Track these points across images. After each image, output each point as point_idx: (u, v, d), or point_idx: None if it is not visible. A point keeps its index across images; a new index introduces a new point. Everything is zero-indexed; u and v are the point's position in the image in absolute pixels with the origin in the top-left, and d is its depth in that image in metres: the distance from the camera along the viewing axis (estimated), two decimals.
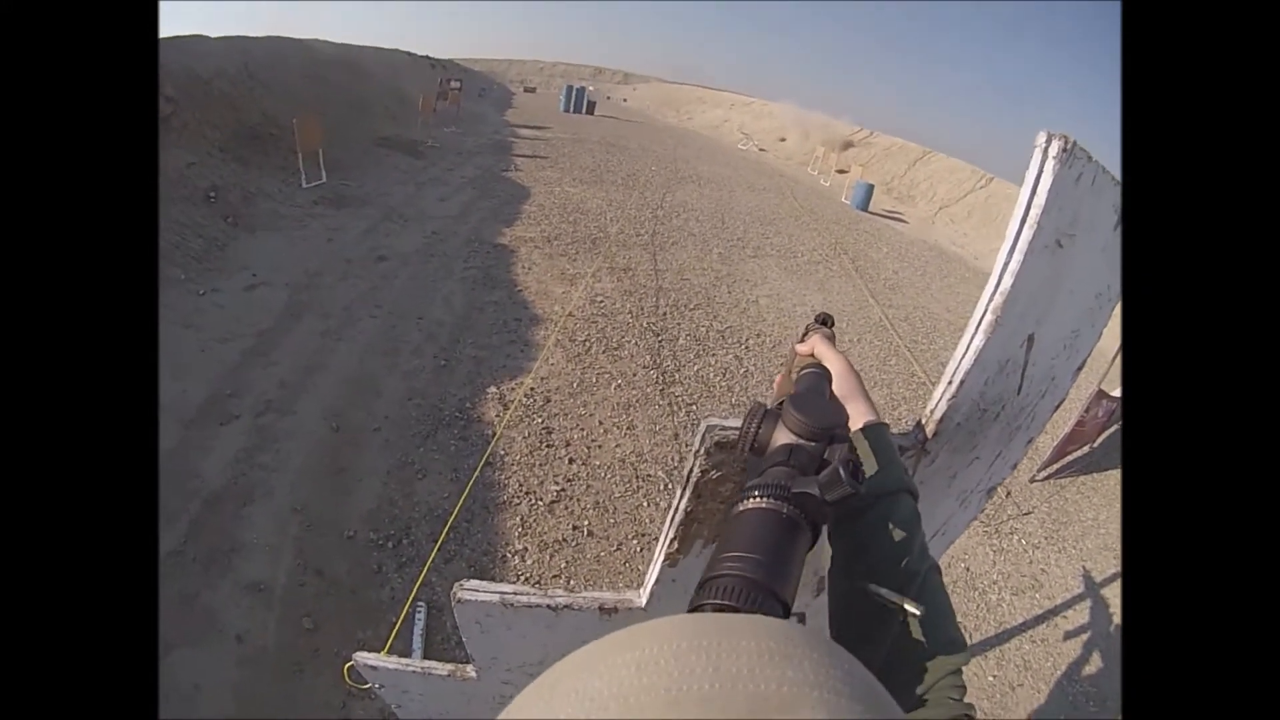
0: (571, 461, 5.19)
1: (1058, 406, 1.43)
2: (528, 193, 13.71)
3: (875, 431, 0.81)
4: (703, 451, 1.02)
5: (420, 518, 4.37)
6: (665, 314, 8.19)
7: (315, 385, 5.78)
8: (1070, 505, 6.41)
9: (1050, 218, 1.04)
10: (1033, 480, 6.67)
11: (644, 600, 1.54)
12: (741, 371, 7.27)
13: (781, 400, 0.81)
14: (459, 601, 1.78)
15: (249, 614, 3.64)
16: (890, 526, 0.74)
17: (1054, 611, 4.91)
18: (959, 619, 0.71)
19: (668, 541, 1.30)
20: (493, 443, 5.14)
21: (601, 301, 8.30)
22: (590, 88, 39.85)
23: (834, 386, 0.89)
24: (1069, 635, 4.72)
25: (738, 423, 0.96)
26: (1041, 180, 1.01)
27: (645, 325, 7.76)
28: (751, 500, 0.59)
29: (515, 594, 1.75)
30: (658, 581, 1.44)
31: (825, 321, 1.17)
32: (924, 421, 1.22)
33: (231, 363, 5.97)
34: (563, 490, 4.89)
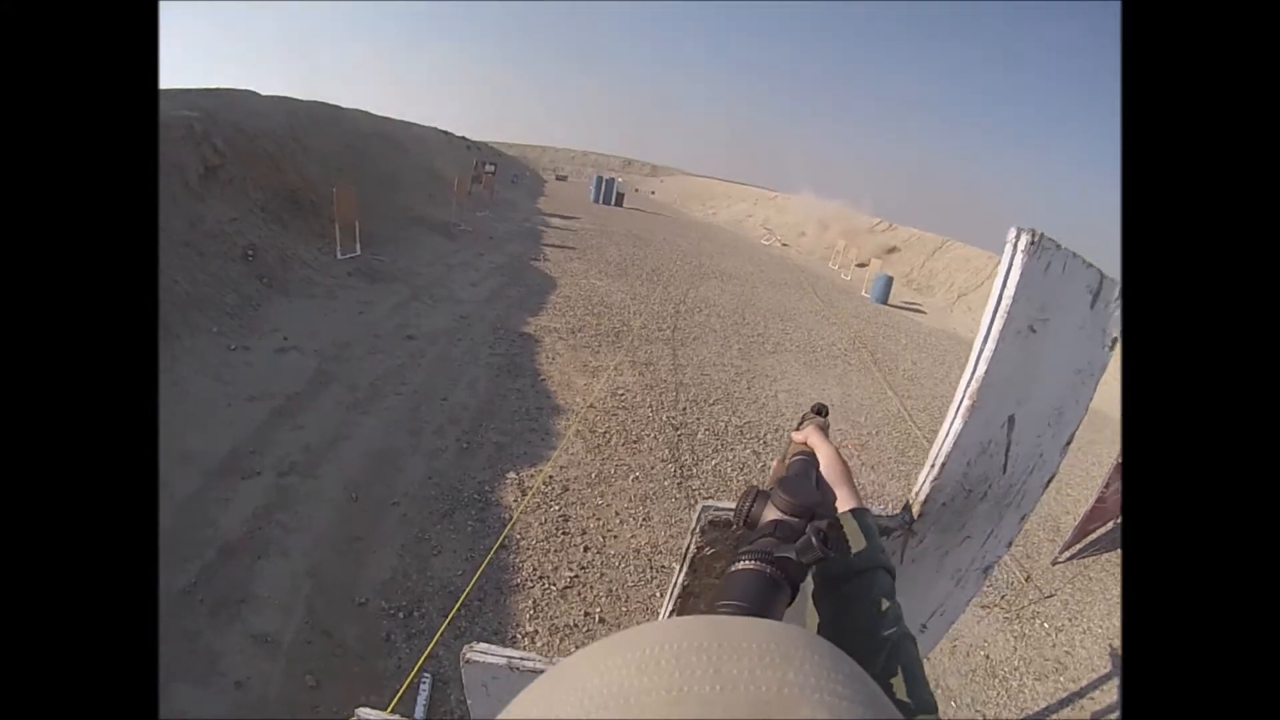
0: (586, 549, 5.37)
1: (1049, 482, 1.50)
2: (555, 283, 14.33)
3: (858, 514, 0.91)
4: (698, 530, 1.22)
5: (433, 592, 4.56)
6: (685, 408, 8.47)
7: (338, 454, 6.10)
8: (1095, 584, 6.41)
9: (1020, 306, 1.16)
10: (1055, 563, 6.68)
11: None
12: (759, 466, 7.47)
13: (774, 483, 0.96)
14: (467, 662, 1.98)
15: (252, 662, 3.85)
16: (866, 597, 0.83)
17: (1080, 694, 4.91)
18: (978, 708, 0.90)
19: (666, 614, 1.45)
20: (509, 526, 5.36)
21: (622, 394, 8.61)
22: (619, 179, 41.01)
23: (823, 472, 0.99)
24: (1096, 716, 4.74)
25: (730, 504, 1.19)
26: (1012, 272, 1.14)
27: (665, 419, 8.04)
28: (742, 563, 0.73)
29: (522, 659, 1.93)
30: None
31: (820, 411, 1.28)
32: (910, 504, 1.33)
33: (257, 421, 6.37)
34: (576, 576, 5.05)
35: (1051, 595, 6.13)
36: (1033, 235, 1.12)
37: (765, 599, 0.68)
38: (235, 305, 8.59)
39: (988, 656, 5.11)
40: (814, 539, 0.71)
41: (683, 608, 1.43)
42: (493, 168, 24.75)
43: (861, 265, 25.22)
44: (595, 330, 11.16)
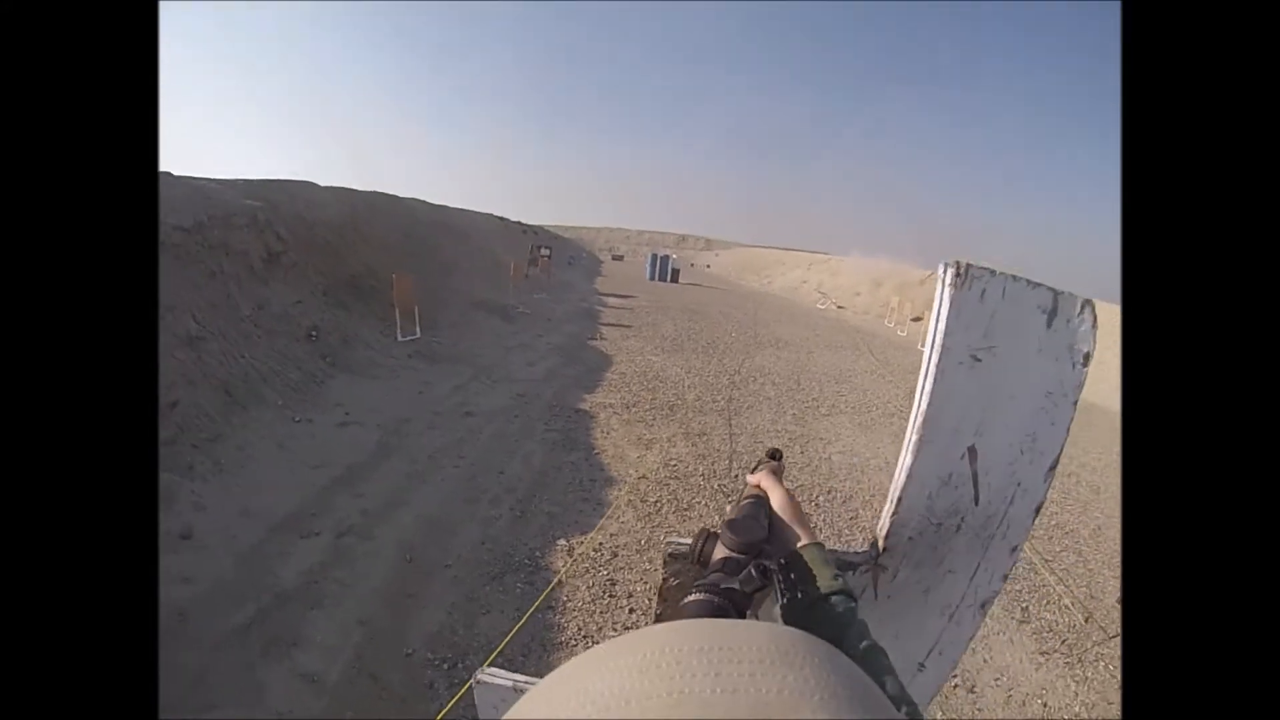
0: (632, 611, 5.44)
1: (1037, 510, 1.45)
2: (611, 361, 14.65)
3: (812, 549, 0.97)
4: (661, 562, 1.33)
5: (478, 648, 4.70)
6: (737, 475, 8.50)
7: (395, 519, 6.38)
8: None
9: (956, 338, 1.18)
10: (1120, 601, 6.29)
11: None
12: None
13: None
14: (478, 683, 2.11)
15: (297, 698, 4.08)
16: (828, 619, 0.87)
17: None
18: None
19: None
20: (552, 585, 5.52)
21: (675, 465, 8.71)
22: (674, 255, 41.38)
23: (777, 512, 1.05)
24: None
25: (687, 541, 1.30)
26: (942, 306, 1.17)
27: (716, 487, 8.11)
28: (693, 595, 0.83)
29: (528, 683, 2.05)
30: None
31: (774, 455, 1.36)
32: (875, 539, 1.36)
33: (319, 486, 6.74)
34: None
35: (1115, 636, 5.86)
36: (958, 267, 1.15)
37: None
38: (299, 381, 9.12)
39: (1045, 704, 4.97)
40: (753, 571, 0.85)
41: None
42: (548, 251, 25.53)
43: (916, 320, 25.17)
44: (650, 404, 11.34)
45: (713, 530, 1.02)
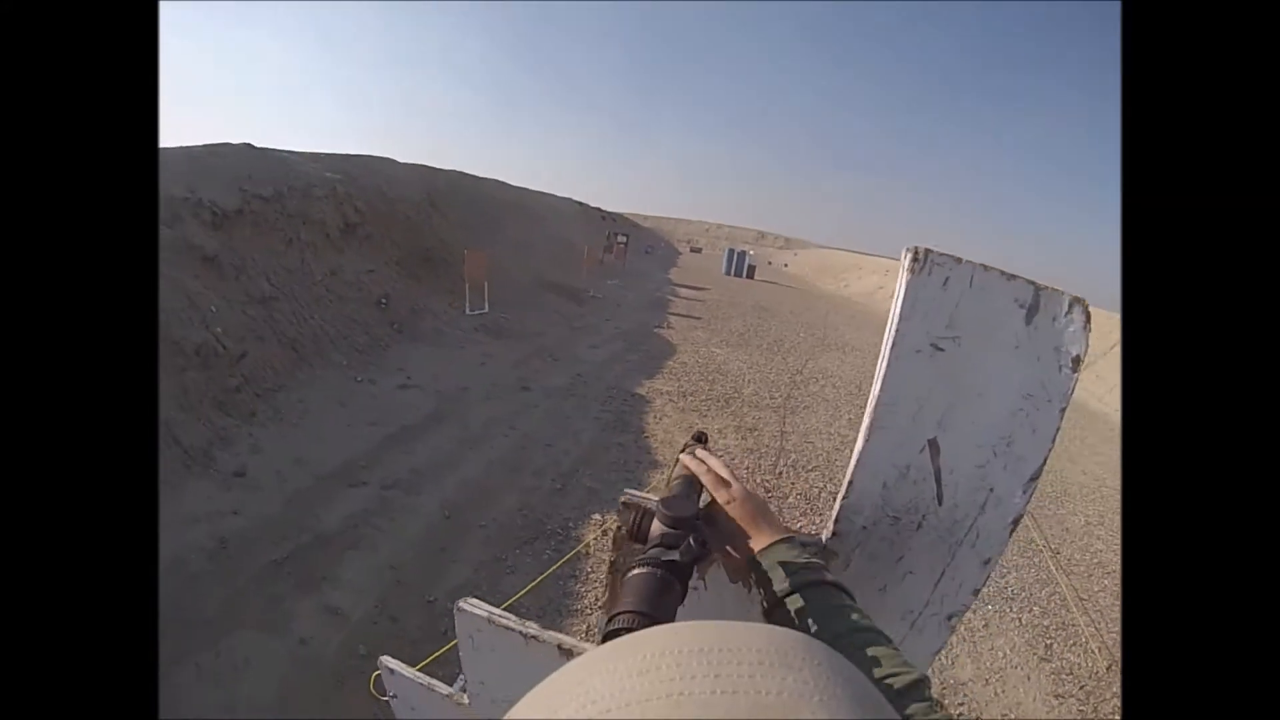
0: None
1: (1014, 522, 1.35)
2: (675, 350, 14.67)
3: (786, 542, 1.00)
4: (616, 511, 1.33)
5: (496, 603, 4.85)
6: (782, 473, 8.50)
7: (441, 478, 6.68)
8: None
9: (913, 324, 1.15)
10: None
11: (591, 650, 1.97)
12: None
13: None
14: (459, 611, 2.23)
15: (319, 627, 4.38)
16: (804, 610, 0.90)
17: None
18: None
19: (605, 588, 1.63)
20: (574, 552, 5.68)
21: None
22: (752, 251, 40.74)
23: (739, 509, 1.06)
24: None
25: (643, 495, 1.36)
26: (899, 289, 1.15)
27: (759, 481, 8.13)
28: (636, 569, 0.84)
29: (500, 616, 2.16)
30: (598, 633, 1.82)
31: (700, 439, 1.39)
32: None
33: (373, 443, 7.09)
34: None
35: None
36: (916, 252, 1.12)
37: (659, 597, 0.80)
38: (365, 345, 9.54)
39: None
40: (692, 542, 0.89)
41: (611, 584, 1.55)
42: (625, 239, 25.61)
43: None
44: (707, 395, 11.36)
45: (647, 508, 1.06)
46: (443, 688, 2.75)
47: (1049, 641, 5.81)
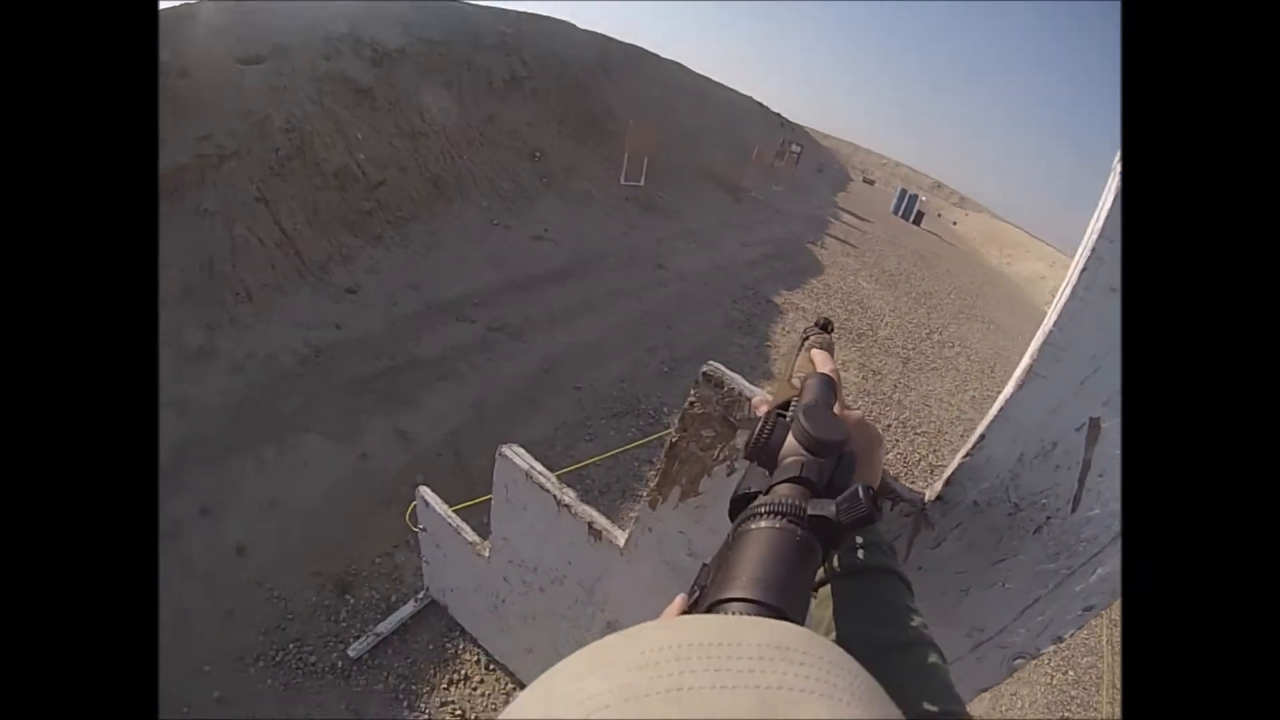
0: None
1: None
2: (822, 270, 14.06)
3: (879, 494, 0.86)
4: (693, 383, 1.21)
5: (564, 466, 4.75)
6: (890, 426, 8.01)
7: (550, 334, 6.55)
8: None
9: (1118, 251, 0.86)
10: None
11: (622, 541, 1.75)
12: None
13: (784, 403, 0.84)
14: (501, 456, 2.09)
15: (385, 447, 4.41)
16: (858, 597, 0.76)
17: None
18: None
19: (655, 477, 1.44)
20: (655, 437, 5.46)
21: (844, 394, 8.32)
22: (924, 198, 39.36)
23: (857, 435, 0.82)
24: None
25: (732, 375, 1.15)
26: (1104, 197, 0.88)
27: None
28: (763, 521, 0.59)
29: (540, 474, 2.02)
30: (637, 525, 1.63)
31: (826, 327, 1.14)
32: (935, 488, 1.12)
33: (493, 284, 7.02)
34: None
35: None
36: None
37: (795, 571, 0.55)
38: (510, 193, 9.40)
39: None
40: (861, 494, 0.58)
41: (666, 473, 1.42)
42: (799, 149, 24.65)
43: None
44: (842, 324, 10.79)
45: (780, 414, 0.76)
46: (470, 534, 2.63)
47: (1066, 714, 5.37)
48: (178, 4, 6.56)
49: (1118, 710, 5.58)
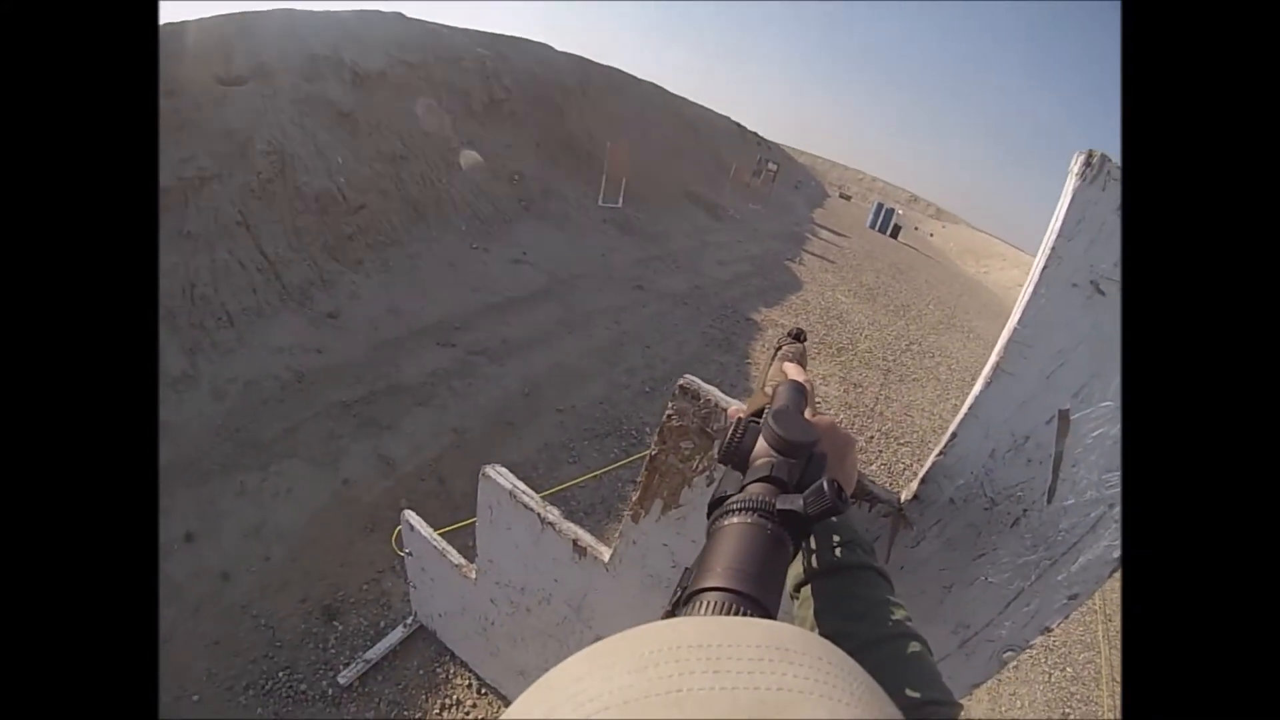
0: None
1: (1111, 574, 1.08)
2: (800, 286, 14.19)
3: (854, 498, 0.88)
4: (670, 396, 1.22)
5: (549, 488, 4.76)
6: (873, 438, 8.11)
7: (530, 355, 6.59)
8: None
9: (1075, 247, 0.90)
10: None
11: (607, 556, 1.77)
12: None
13: (757, 411, 0.87)
14: (484, 477, 2.11)
15: (368, 472, 4.40)
16: (840, 594, 0.77)
17: None
18: None
19: (636, 491, 1.47)
20: (638, 457, 5.46)
21: (819, 405, 8.35)
22: (901, 212, 39.68)
23: (828, 440, 0.86)
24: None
25: (708, 388, 1.17)
26: (1062, 199, 0.91)
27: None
28: (735, 517, 0.62)
29: (524, 493, 2.05)
30: (621, 540, 1.65)
31: (798, 337, 1.18)
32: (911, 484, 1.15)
33: (473, 308, 7.07)
34: None
35: None
36: (1090, 156, 0.87)
37: (768, 562, 0.58)
38: (489, 215, 9.48)
39: None
40: (826, 488, 0.61)
41: (648, 486, 1.44)
42: (775, 166, 24.89)
43: None
44: (820, 339, 10.92)
45: (751, 419, 0.80)
46: (455, 556, 2.65)
47: (1067, 710, 5.44)
48: (162, 23, 6.57)
49: (1118, 704, 5.64)
